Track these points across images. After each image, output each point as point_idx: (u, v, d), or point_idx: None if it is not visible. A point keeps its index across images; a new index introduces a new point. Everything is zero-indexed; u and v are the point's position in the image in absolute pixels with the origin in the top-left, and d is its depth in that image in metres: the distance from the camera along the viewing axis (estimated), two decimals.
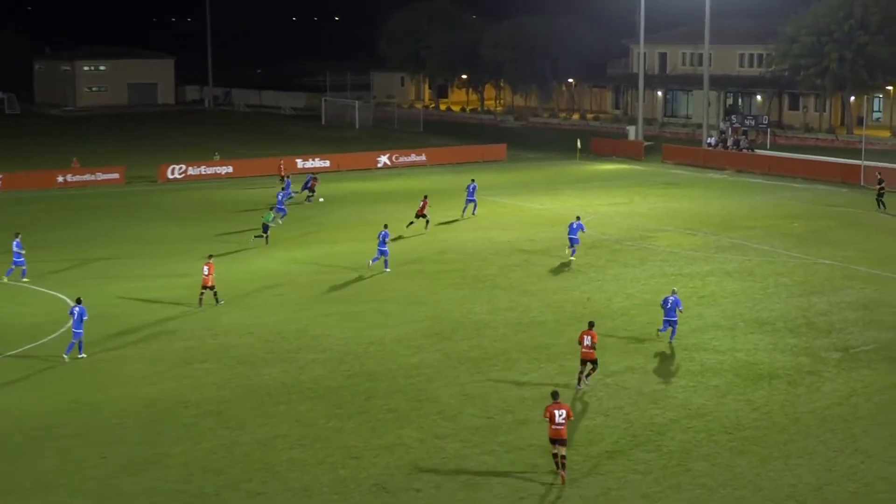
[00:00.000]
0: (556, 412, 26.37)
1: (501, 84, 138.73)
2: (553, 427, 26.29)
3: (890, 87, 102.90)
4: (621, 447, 28.14)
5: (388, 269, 48.25)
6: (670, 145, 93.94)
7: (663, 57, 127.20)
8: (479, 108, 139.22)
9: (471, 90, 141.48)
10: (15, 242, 46.82)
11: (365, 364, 35.20)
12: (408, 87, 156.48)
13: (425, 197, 58.78)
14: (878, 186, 64.18)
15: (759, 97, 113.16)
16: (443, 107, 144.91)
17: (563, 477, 26.11)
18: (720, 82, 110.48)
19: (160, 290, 45.02)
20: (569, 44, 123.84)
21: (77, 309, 35.67)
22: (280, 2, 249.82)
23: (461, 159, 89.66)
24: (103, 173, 78.33)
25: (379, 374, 34.17)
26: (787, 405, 31.11)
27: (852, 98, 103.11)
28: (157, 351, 36.70)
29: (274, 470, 26.81)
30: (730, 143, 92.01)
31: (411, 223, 57.40)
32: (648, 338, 37.71)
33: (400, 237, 54.72)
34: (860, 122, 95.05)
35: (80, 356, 35.67)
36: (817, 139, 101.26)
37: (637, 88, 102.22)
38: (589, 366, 32.72)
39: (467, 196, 62.56)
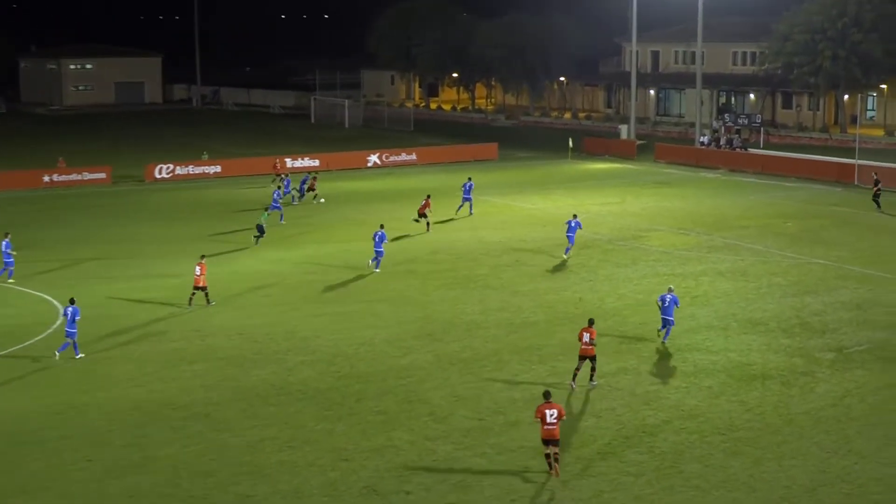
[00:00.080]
0: (548, 412, 26.41)
1: (492, 82, 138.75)
2: (545, 427, 26.35)
3: (884, 86, 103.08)
4: (613, 449, 28.16)
5: (377, 270, 48.28)
6: (663, 144, 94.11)
7: (656, 55, 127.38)
8: (470, 107, 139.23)
9: (461, 89, 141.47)
10: (4, 243, 46.72)
11: (355, 365, 35.18)
12: (398, 86, 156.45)
13: (428, 196, 58.89)
14: (875, 187, 64.25)
15: (752, 96, 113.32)
16: (433, 105, 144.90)
17: (556, 470, 26.26)
18: (713, 81, 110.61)
19: (148, 291, 44.95)
20: (560, 42, 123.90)
21: (70, 309, 35.64)
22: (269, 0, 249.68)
23: (452, 158, 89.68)
24: (90, 173, 78.20)
25: (369, 375, 34.16)
26: (780, 406, 31.16)
27: (846, 97, 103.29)
28: (145, 352, 36.64)
29: (263, 472, 26.78)
30: (723, 142, 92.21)
31: (417, 220, 57.77)
32: (641, 338, 37.75)
33: (399, 237, 54.61)
34: (854, 120, 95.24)
35: (77, 356, 35.63)
36: (811, 138, 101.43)
37: (629, 87, 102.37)
38: (588, 363, 32.79)
39: (463, 194, 62.69)
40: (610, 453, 27.87)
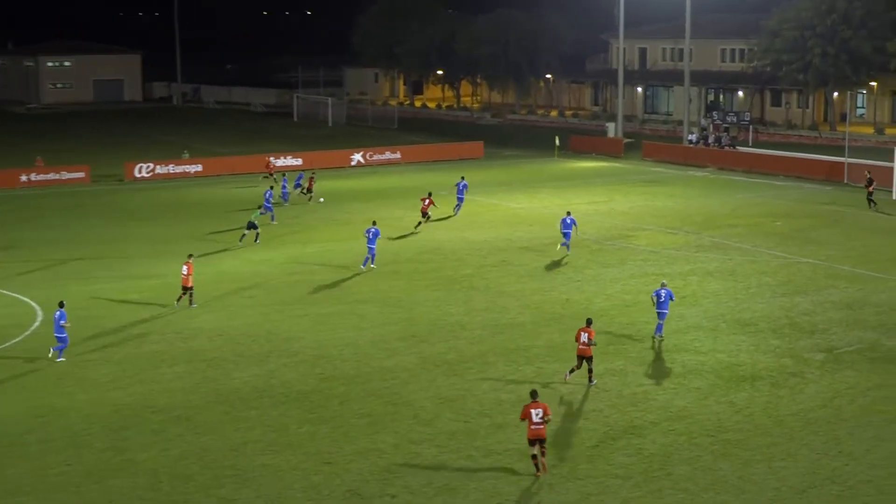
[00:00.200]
0: (533, 412, 26.54)
1: (478, 80, 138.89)
2: (531, 427, 26.48)
3: (874, 83, 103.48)
4: (601, 451, 28.20)
5: (363, 267, 48.41)
6: (650, 142, 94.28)
7: (643, 52, 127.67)
8: (455, 105, 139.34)
9: (446, 86, 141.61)
10: None
11: (339, 367, 35.16)
12: (382, 84, 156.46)
13: (429, 194, 59.00)
14: (869, 186, 64.43)
15: (740, 93, 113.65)
16: (418, 103, 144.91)
17: (543, 466, 26.46)
18: (701, 78, 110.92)
19: (129, 292, 44.86)
20: (547, 39, 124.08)
21: (56, 314, 35.59)
22: None
23: (437, 157, 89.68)
24: (68, 172, 78.00)
25: (353, 377, 34.14)
26: (769, 407, 31.25)
27: (835, 94, 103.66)
28: (126, 354, 36.56)
29: (245, 476, 26.75)
30: (711, 140, 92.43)
31: (423, 221, 58.05)
32: (629, 339, 37.82)
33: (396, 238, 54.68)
34: (843, 118, 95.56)
35: (56, 356, 35.59)
36: (800, 136, 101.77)
37: (617, 84, 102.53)
38: (585, 364, 32.92)
39: (457, 193, 62.88)
40: (597, 455, 27.91)
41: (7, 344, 37.53)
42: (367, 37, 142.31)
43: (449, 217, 61.34)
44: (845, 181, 73.91)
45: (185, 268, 42.07)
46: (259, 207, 57.72)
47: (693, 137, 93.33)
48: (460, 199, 62.93)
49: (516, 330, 39.23)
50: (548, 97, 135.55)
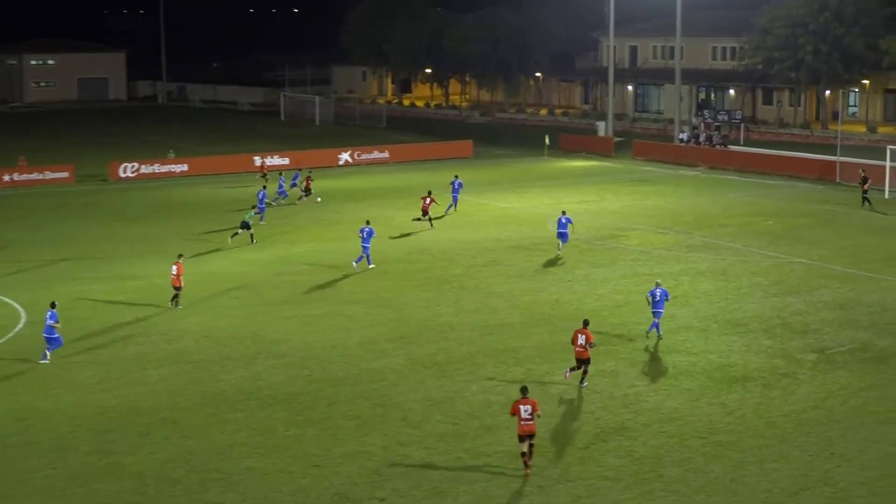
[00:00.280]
0: (522, 408, 26.77)
1: (467, 78, 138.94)
2: (521, 423, 26.71)
3: (866, 81, 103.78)
4: (591, 453, 28.23)
5: (355, 265, 48.47)
6: (641, 141, 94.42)
7: (634, 50, 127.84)
8: (444, 104, 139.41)
9: (435, 85, 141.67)
10: None
11: (326, 369, 35.15)
12: (370, 82, 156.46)
13: (429, 193, 59.07)
14: (864, 185, 64.62)
15: (732, 91, 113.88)
16: (406, 102, 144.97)
17: (527, 473, 26.58)
18: (692, 76, 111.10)
19: (114, 293, 44.79)
20: (536, 37, 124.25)
21: (48, 314, 35.63)
22: None
23: (425, 156, 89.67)
24: (52, 172, 77.83)
25: (341, 379, 34.13)
26: (761, 408, 31.32)
27: (827, 92, 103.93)
28: (111, 356, 36.50)
29: (232, 480, 26.72)
30: (702, 138, 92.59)
31: (422, 220, 58.24)
32: (620, 340, 37.87)
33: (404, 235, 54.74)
34: (836, 116, 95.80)
35: (41, 360, 35.55)
36: (792, 135, 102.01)
37: (607, 83, 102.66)
38: (583, 366, 33.04)
39: (452, 192, 63.01)
40: (588, 457, 27.94)
41: None
42: (355, 34, 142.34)
43: (442, 217, 61.34)
44: (837, 180, 74.08)
45: (174, 268, 42.06)
46: (253, 208, 57.68)
47: (684, 136, 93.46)
48: (454, 198, 63.08)
49: (506, 331, 39.25)
50: (537, 95, 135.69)
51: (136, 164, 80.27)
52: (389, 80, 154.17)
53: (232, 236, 54.31)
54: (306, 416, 30.95)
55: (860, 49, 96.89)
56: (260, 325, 39.98)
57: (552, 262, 50.12)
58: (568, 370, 33.36)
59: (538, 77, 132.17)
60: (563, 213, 52.49)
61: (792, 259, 50.56)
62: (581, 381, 33.17)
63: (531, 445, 26.81)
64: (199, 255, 52.01)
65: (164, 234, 57.59)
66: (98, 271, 49.09)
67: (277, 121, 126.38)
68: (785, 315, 40.91)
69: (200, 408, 31.62)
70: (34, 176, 76.88)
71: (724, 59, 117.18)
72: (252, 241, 54.14)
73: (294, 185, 68.88)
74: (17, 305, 42.53)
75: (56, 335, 35.55)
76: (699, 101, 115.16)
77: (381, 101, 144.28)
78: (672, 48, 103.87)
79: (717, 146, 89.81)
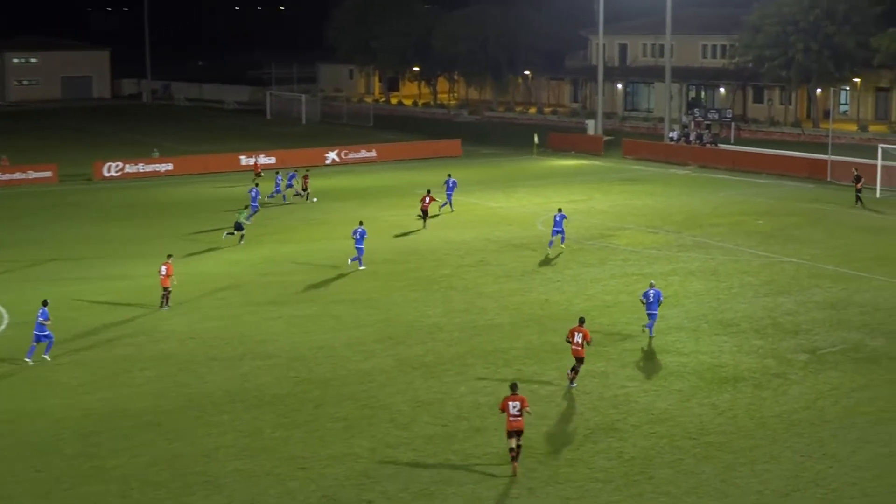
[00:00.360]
0: (511, 404, 26.95)
1: (455, 77, 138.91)
2: (509, 419, 26.88)
3: (857, 79, 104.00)
4: (581, 455, 28.26)
5: (350, 263, 48.67)
6: (631, 140, 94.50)
7: (623, 48, 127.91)
8: (432, 102, 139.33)
9: (423, 83, 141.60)
10: None
11: (313, 370, 35.13)
12: (357, 80, 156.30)
13: (428, 191, 59.12)
14: (857, 183, 64.83)
15: (722, 90, 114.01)
16: (394, 101, 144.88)
17: (514, 468, 26.68)
18: (682, 74, 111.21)
19: (98, 294, 44.69)
20: (525, 34, 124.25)
21: (39, 312, 35.65)
22: None
23: (413, 155, 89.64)
24: (35, 171, 77.63)
25: (328, 380, 34.12)
26: (752, 409, 31.38)
27: (818, 90, 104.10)
28: (96, 358, 36.43)
29: (218, 482, 26.69)
30: (692, 137, 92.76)
31: (422, 218, 58.30)
32: (610, 341, 37.90)
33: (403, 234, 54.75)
34: (827, 115, 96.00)
35: (26, 359, 35.51)
36: (783, 133, 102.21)
37: (596, 81, 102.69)
38: (577, 365, 33.16)
39: (446, 191, 63.15)
40: (577, 459, 27.97)
41: None
42: (342, 32, 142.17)
43: (436, 216, 61.26)
44: (828, 179, 74.26)
45: (163, 268, 42.03)
46: (246, 208, 57.61)
47: (674, 135, 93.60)
48: (449, 197, 63.17)
49: (495, 331, 39.27)
50: (526, 94, 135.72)
51: (121, 164, 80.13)
52: (377, 79, 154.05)
53: (225, 235, 54.33)
54: (293, 417, 30.92)
55: (851, 47, 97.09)
56: (246, 326, 39.95)
57: (542, 262, 50.15)
58: (571, 377, 33.31)
59: (527, 75, 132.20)
60: (560, 210, 52.80)
61: (783, 258, 50.66)
62: (571, 382, 33.21)
63: (519, 445, 26.90)
64: (186, 256, 51.87)
65: (149, 235, 57.50)
66: (82, 272, 49.00)
67: (263, 120, 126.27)
68: (776, 315, 40.99)
69: (186, 410, 31.58)
70: (17, 176, 76.67)
71: (714, 57, 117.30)
72: (240, 241, 54.09)
73: (290, 185, 68.70)
74: (1, 308, 42.43)
75: (47, 332, 35.55)
76: (689, 99, 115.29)
77: (369, 99, 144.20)
78: (662, 46, 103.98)
79: (708, 145, 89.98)
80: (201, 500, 25.75)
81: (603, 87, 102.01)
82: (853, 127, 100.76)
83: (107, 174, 78.94)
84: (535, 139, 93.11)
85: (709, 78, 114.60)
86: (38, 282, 46.91)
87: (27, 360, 35.50)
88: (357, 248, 48.68)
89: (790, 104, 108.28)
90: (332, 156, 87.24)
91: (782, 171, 78.63)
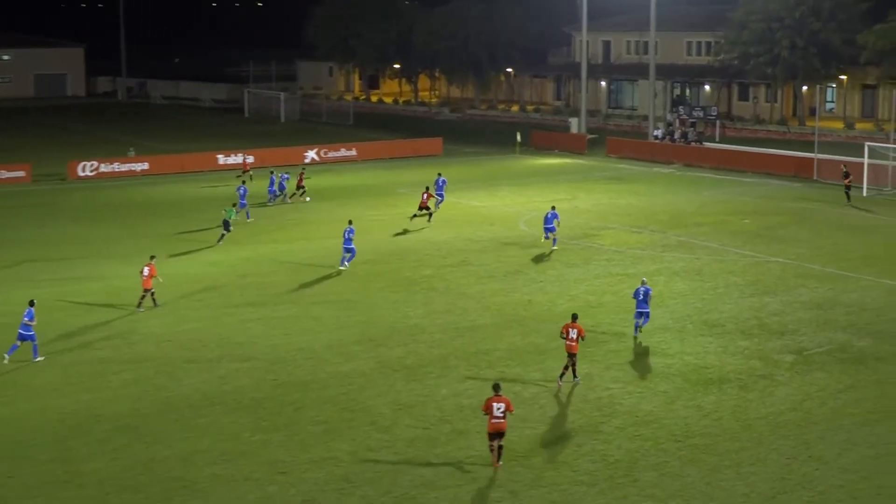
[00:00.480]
0: (495, 405, 27.09)
1: (436, 74, 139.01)
2: (492, 421, 27.00)
3: (843, 77, 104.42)
4: (565, 457, 28.30)
5: (344, 266, 48.55)
6: (615, 138, 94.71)
7: (607, 45, 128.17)
8: (413, 100, 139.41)
9: (404, 81, 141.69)
10: None
11: (293, 373, 35.10)
12: (336, 78, 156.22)
13: (427, 188, 59.22)
14: (846, 179, 65.22)
15: (707, 87, 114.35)
16: (374, 98, 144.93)
17: (496, 466, 27.01)
18: (667, 72, 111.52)
19: (73, 296, 44.54)
20: (507, 31, 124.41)
21: (24, 312, 35.74)
22: None
23: (394, 154, 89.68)
24: (8, 171, 77.26)
25: (308, 383, 34.09)
26: (738, 411, 31.47)
27: (804, 88, 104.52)
28: (70, 361, 36.31)
29: (196, 487, 26.65)
30: (677, 135, 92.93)
31: (415, 216, 58.47)
32: (594, 342, 37.91)
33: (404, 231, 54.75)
34: (813, 112, 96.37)
35: (5, 355, 35.52)
36: (768, 131, 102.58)
37: (580, 78, 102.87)
38: (567, 360, 33.27)
39: (437, 190, 63.18)
40: (561, 462, 28.02)
41: None
42: (321, 29, 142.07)
43: (431, 213, 61.28)
44: (815, 177, 74.54)
45: (146, 269, 41.96)
46: (234, 206, 57.51)
47: (659, 133, 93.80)
48: (440, 196, 63.31)
49: (477, 333, 39.29)
50: (509, 91, 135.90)
51: (96, 163, 79.88)
52: (357, 76, 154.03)
53: (220, 241, 54.25)
54: (272, 421, 30.89)
55: (837, 44, 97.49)
56: (225, 328, 39.88)
57: (526, 263, 50.20)
58: (573, 375, 33.42)
59: (509, 73, 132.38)
60: (553, 207, 53.43)
61: (769, 258, 50.82)
62: (560, 376, 33.32)
63: (500, 447, 27.06)
64: (166, 258, 51.73)
65: (125, 235, 57.36)
66: (56, 273, 48.82)
67: (241, 118, 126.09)
68: (762, 315, 41.12)
69: (164, 413, 31.52)
70: None
71: (699, 54, 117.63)
72: (219, 241, 54.01)
73: (283, 186, 68.41)
74: None
75: (31, 332, 35.56)
76: (674, 97, 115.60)
77: (349, 97, 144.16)
78: (646, 43, 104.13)
79: (693, 143, 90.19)
80: None
81: (586, 84, 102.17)
82: (839, 125, 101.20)
83: (81, 174, 78.70)
84: (518, 137, 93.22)
85: (694, 75, 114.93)
86: (11, 283, 46.70)
87: (6, 356, 35.46)
88: (346, 248, 48.63)
89: (776, 102, 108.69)
90: (311, 154, 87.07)
91: (768, 169, 78.89)
